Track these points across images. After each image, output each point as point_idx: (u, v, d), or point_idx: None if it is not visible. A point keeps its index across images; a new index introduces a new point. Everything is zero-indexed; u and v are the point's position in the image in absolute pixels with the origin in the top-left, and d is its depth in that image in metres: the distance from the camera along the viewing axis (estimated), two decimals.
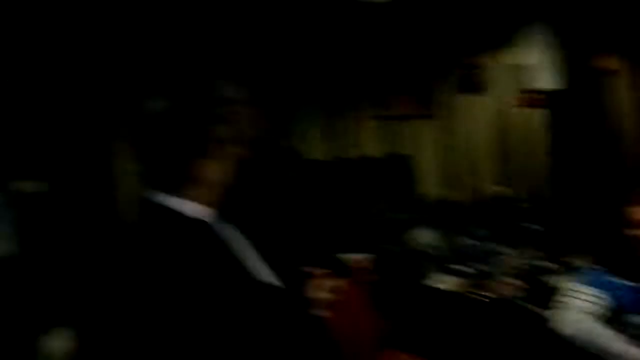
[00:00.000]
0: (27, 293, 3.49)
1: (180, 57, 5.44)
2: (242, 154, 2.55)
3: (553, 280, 3.75)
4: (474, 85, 6.44)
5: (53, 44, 4.03)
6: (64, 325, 3.88)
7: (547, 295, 3.43)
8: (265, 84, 2.66)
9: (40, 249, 3.76)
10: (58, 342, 3.74)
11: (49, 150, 4.05)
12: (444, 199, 4.67)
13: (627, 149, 5.74)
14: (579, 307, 2.71)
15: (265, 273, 2.05)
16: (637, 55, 5.60)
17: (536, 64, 6.01)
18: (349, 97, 6.36)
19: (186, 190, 1.93)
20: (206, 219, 1.96)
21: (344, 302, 2.30)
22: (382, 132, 6.47)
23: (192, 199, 1.94)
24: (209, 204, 1.98)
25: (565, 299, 2.78)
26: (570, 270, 3.78)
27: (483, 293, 3.68)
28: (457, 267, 4.09)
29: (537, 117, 6.37)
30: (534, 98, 6.28)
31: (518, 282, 3.69)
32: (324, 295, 2.24)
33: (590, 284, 2.80)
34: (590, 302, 2.72)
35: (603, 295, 2.73)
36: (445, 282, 3.93)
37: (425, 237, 4.52)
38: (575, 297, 2.77)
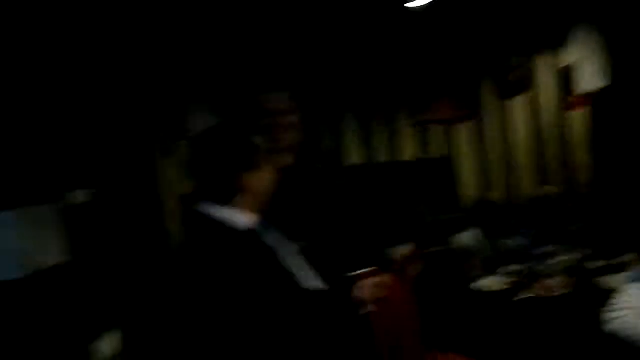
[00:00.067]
0: (79, 299, 3.57)
1: (224, 70, 5.53)
2: (286, 162, 2.61)
3: (600, 278, 3.73)
4: (514, 87, 6.41)
5: (102, 58, 4.12)
6: (113, 329, 3.97)
7: (595, 294, 3.41)
8: (306, 91, 2.70)
9: (90, 257, 3.84)
10: (108, 345, 3.82)
11: (97, 162, 4.14)
12: (488, 200, 4.64)
13: None
14: (627, 304, 2.69)
15: (310, 278, 2.08)
16: None
17: (580, 64, 5.95)
18: (390, 101, 6.38)
19: (234, 200, 1.99)
20: (254, 229, 2.01)
21: (388, 297, 2.32)
22: (423, 135, 6.47)
23: (240, 208, 2.00)
24: (256, 212, 2.03)
25: (613, 297, 2.76)
26: (617, 268, 3.75)
27: (529, 293, 3.66)
28: (502, 267, 4.07)
29: (580, 117, 6.32)
30: (578, 98, 6.23)
31: (564, 281, 3.66)
32: (369, 292, 2.26)
33: (638, 280, 2.78)
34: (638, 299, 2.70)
35: None
36: (490, 283, 3.91)
37: (469, 238, 4.51)
38: (623, 295, 2.75)
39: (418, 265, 2.58)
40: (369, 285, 2.25)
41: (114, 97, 4.28)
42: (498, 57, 6.36)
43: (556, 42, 6.31)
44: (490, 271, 4.11)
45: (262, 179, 2.04)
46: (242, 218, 1.99)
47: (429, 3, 4.77)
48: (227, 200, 1.98)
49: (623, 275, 3.59)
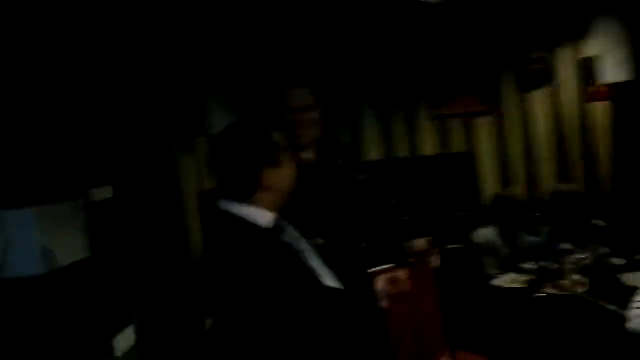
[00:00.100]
0: (99, 295, 3.62)
1: (243, 66, 5.55)
2: (306, 158, 2.62)
3: (621, 276, 3.70)
4: (535, 80, 6.36)
5: (124, 55, 4.15)
6: (130, 324, 4.03)
7: (615, 292, 3.38)
8: (325, 86, 2.70)
9: (110, 253, 3.89)
10: (125, 340, 3.87)
11: (118, 159, 4.18)
12: (507, 196, 4.62)
13: None
14: None
15: (326, 275, 2.09)
16: None
17: (602, 57, 5.90)
18: (410, 96, 6.37)
19: (254, 197, 2.00)
20: (275, 226, 2.02)
21: (407, 292, 2.31)
22: (443, 130, 6.45)
23: (260, 205, 2.01)
24: (275, 209, 2.04)
25: (637, 295, 2.75)
26: (638, 265, 3.72)
27: (547, 290, 3.64)
28: (521, 264, 4.05)
29: (601, 110, 6.26)
30: (600, 91, 6.16)
31: (583, 279, 3.63)
32: (385, 288, 2.26)
33: None
34: None
35: None
36: (509, 280, 3.89)
37: (488, 234, 4.49)
38: None
39: (437, 258, 2.57)
40: (385, 281, 2.26)
41: (135, 94, 4.31)
42: (519, 50, 6.31)
43: (578, 34, 6.25)
44: (508, 268, 4.10)
45: (283, 176, 2.05)
46: (262, 215, 2.00)
47: None
48: (247, 197, 1.99)
49: None
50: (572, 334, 3.42)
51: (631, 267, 3.78)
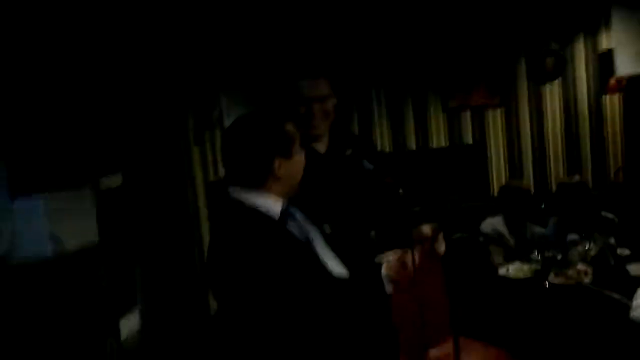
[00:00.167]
0: (105, 281, 3.66)
1: (256, 58, 5.57)
2: (318, 148, 2.63)
3: (628, 266, 3.69)
4: (550, 72, 6.34)
5: (137, 43, 4.18)
6: (136, 309, 4.07)
7: (621, 282, 3.38)
8: (337, 76, 2.71)
9: (118, 240, 3.93)
10: (131, 324, 3.92)
11: (129, 148, 4.21)
12: (517, 186, 4.61)
13: None
14: None
15: (332, 262, 2.11)
16: None
17: (618, 49, 5.86)
18: (422, 87, 6.37)
19: (264, 186, 2.02)
20: (285, 215, 2.04)
21: (411, 277, 2.32)
22: (454, 121, 6.45)
23: (270, 194, 2.03)
24: (286, 197, 2.06)
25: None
26: None
27: (553, 280, 3.64)
28: (527, 254, 4.05)
29: (614, 103, 6.24)
30: (613, 84, 6.14)
31: (588, 268, 3.63)
32: (391, 272, 2.27)
33: None
34: None
35: None
36: (515, 270, 3.89)
37: (496, 224, 4.49)
38: None
39: (442, 243, 2.57)
40: (390, 266, 2.27)
41: (147, 84, 4.34)
42: (533, 42, 6.29)
43: (593, 27, 6.23)
44: (514, 258, 4.10)
45: (294, 166, 2.07)
46: (272, 204, 2.02)
47: None
48: (257, 186, 2.02)
49: None
50: (577, 323, 3.42)
51: (638, 258, 3.77)
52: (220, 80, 5.23)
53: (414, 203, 2.86)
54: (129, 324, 3.98)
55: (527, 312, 3.62)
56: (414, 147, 6.42)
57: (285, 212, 2.05)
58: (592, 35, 6.29)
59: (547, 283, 3.63)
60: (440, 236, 2.53)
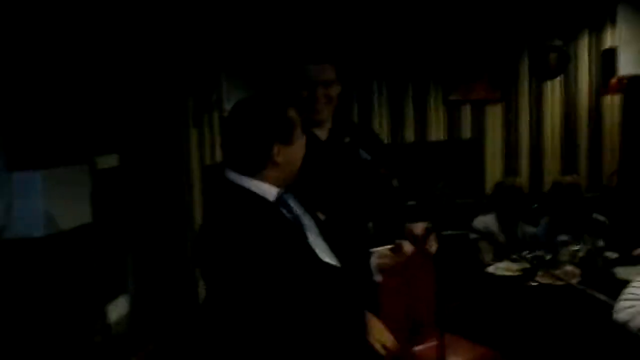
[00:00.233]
0: (97, 261, 3.68)
1: (257, 41, 5.56)
2: (319, 135, 2.64)
3: (615, 269, 3.73)
4: (553, 69, 6.34)
5: (136, 23, 4.17)
6: (126, 293, 4.10)
7: (607, 284, 3.41)
8: (339, 64, 2.71)
9: (112, 221, 3.95)
10: (119, 308, 3.96)
11: (127, 128, 4.22)
12: (509, 185, 4.63)
13: None
14: (636, 295, 2.70)
15: (323, 249, 2.13)
16: None
17: (622, 48, 5.86)
18: (422, 79, 6.36)
19: (262, 172, 2.03)
20: (277, 198, 2.06)
21: (403, 270, 2.35)
22: (453, 115, 6.45)
23: (267, 179, 2.04)
24: (282, 184, 2.07)
25: (627, 288, 2.77)
26: (633, 260, 3.75)
27: (540, 280, 3.67)
28: (516, 253, 4.08)
29: (613, 103, 6.24)
30: (614, 84, 6.14)
31: (576, 269, 3.67)
32: (380, 262, 2.30)
33: None
34: None
35: None
36: (503, 268, 3.93)
37: (488, 222, 4.52)
38: (633, 285, 2.76)
39: (434, 243, 2.59)
40: (380, 256, 2.29)
41: (146, 65, 4.33)
42: (536, 38, 6.28)
43: (597, 25, 6.22)
44: (504, 256, 4.13)
45: (293, 154, 2.06)
46: (268, 189, 2.03)
47: None
48: (255, 172, 2.01)
49: (637, 267, 3.61)
50: (563, 323, 3.46)
51: (625, 261, 3.81)
52: (221, 63, 5.22)
53: (408, 196, 2.87)
54: (119, 308, 4.01)
55: (514, 310, 3.66)
56: (412, 139, 6.42)
57: (280, 198, 2.06)
58: (596, 32, 6.28)
59: (533, 282, 3.66)
60: (433, 236, 2.55)
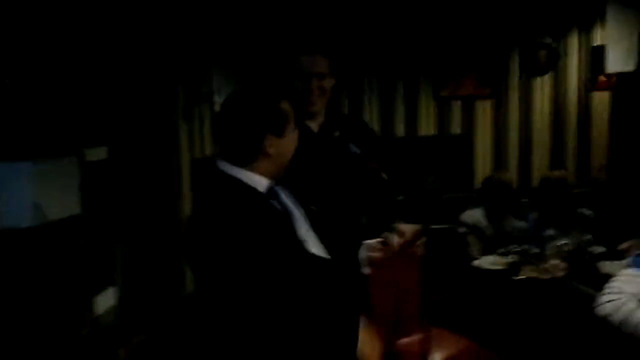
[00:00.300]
0: (85, 253, 3.68)
1: (248, 34, 5.55)
2: (311, 128, 2.65)
3: (600, 263, 3.76)
4: (542, 65, 6.37)
5: (127, 16, 4.16)
6: (114, 285, 4.10)
7: (593, 278, 3.44)
8: (331, 58, 2.72)
9: (101, 213, 3.95)
10: (106, 300, 3.96)
11: (118, 120, 4.21)
12: (498, 179, 4.65)
13: None
14: (619, 288, 2.72)
15: (312, 241, 2.14)
16: None
17: (610, 46, 5.89)
18: (412, 75, 6.38)
19: (253, 164, 2.03)
20: (271, 191, 2.06)
21: (390, 264, 2.36)
22: (443, 110, 6.47)
23: (258, 171, 2.04)
24: (273, 176, 2.08)
25: (610, 282, 2.80)
26: (618, 254, 3.78)
27: (526, 274, 3.70)
28: (503, 247, 4.11)
29: (603, 100, 6.28)
30: (602, 81, 6.18)
31: (562, 264, 3.69)
32: (369, 254, 2.31)
33: (633, 266, 2.82)
34: (635, 284, 2.73)
35: None
36: (490, 262, 3.95)
37: (475, 216, 4.54)
38: (616, 279, 2.78)
39: (422, 246, 2.59)
40: (368, 249, 2.30)
41: (137, 57, 4.33)
42: (526, 35, 6.31)
43: (587, 22, 6.25)
44: (491, 250, 4.15)
45: (285, 146, 2.06)
46: (258, 180, 2.04)
47: None
48: (246, 163, 2.01)
49: (624, 261, 3.63)
50: (549, 316, 3.49)
51: (611, 256, 3.84)
52: (212, 55, 5.21)
53: (397, 191, 2.88)
54: (106, 299, 4.01)
55: (500, 304, 3.68)
56: (402, 134, 6.44)
57: (271, 189, 2.07)
58: (586, 30, 6.32)
59: (519, 276, 3.68)
60: (422, 239, 2.55)
